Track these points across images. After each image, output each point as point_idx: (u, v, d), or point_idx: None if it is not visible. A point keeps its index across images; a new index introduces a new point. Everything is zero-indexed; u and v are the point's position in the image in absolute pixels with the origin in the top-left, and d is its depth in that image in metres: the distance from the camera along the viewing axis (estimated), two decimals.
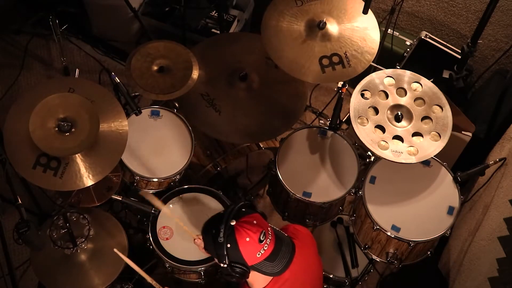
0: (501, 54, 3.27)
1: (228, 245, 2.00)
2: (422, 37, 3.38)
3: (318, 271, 2.30)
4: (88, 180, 2.31)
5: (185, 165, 2.76)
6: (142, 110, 2.67)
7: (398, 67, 3.31)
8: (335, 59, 2.55)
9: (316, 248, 2.30)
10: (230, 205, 2.12)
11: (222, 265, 2.04)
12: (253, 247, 2.00)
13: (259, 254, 2.01)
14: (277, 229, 2.16)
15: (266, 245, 2.01)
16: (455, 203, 2.61)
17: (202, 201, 2.76)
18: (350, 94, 2.54)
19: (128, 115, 2.60)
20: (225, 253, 2.01)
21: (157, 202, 2.55)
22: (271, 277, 2.10)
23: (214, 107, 2.76)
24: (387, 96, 2.53)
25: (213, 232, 2.04)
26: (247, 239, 1.99)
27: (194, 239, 2.37)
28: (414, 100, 2.52)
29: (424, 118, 2.48)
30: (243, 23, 3.86)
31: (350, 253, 2.95)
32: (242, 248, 2.00)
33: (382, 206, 2.61)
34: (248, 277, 2.08)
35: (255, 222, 2.04)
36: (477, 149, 3.07)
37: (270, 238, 2.03)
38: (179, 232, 2.67)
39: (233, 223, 2.02)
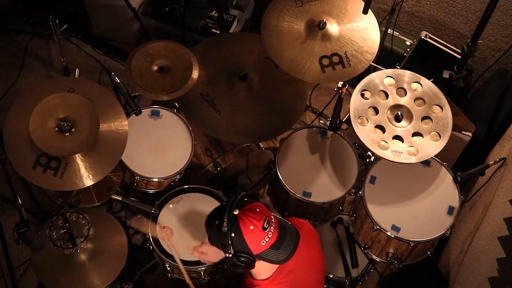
0: (501, 54, 3.27)
1: (233, 234, 2.00)
2: (422, 37, 3.38)
3: (321, 263, 2.31)
4: (88, 180, 2.31)
5: (185, 165, 2.76)
6: (142, 110, 2.67)
7: (398, 67, 3.31)
8: (335, 59, 2.55)
9: (319, 241, 2.31)
10: (232, 196, 2.12)
11: (227, 255, 2.04)
12: (257, 235, 2.00)
13: (263, 242, 2.00)
14: (281, 217, 2.16)
15: (270, 232, 2.01)
16: (455, 203, 2.61)
17: (202, 201, 2.76)
18: (350, 94, 2.54)
19: (128, 115, 2.60)
20: (230, 242, 2.00)
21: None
22: (276, 267, 2.10)
23: (214, 107, 2.76)
24: (387, 96, 2.53)
25: (217, 222, 2.04)
26: (251, 227, 1.99)
27: (193, 251, 2.35)
28: (414, 100, 2.52)
29: (424, 118, 2.49)
30: (243, 23, 3.86)
31: (350, 253, 2.95)
32: (247, 236, 1.99)
33: (382, 206, 2.61)
34: (254, 267, 2.07)
35: (258, 210, 2.04)
36: (477, 149, 3.07)
37: (274, 226, 2.03)
38: (179, 232, 2.67)
39: (236, 212, 2.02)
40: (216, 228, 2.04)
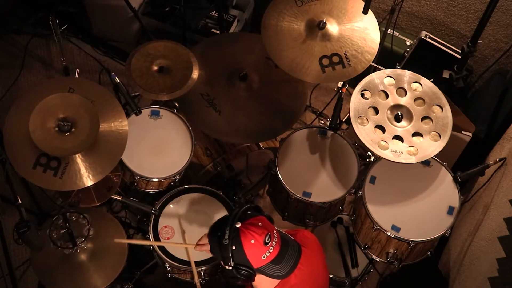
0: (501, 54, 3.28)
1: (233, 247, 2.00)
2: (422, 37, 3.38)
3: (325, 280, 2.30)
4: (88, 180, 2.31)
5: (185, 165, 2.76)
6: (142, 110, 2.67)
7: (398, 67, 3.31)
8: (335, 59, 2.55)
9: (324, 257, 2.30)
10: (235, 208, 2.12)
11: (227, 267, 2.04)
12: (258, 249, 1.99)
13: (264, 257, 2.00)
14: (284, 232, 2.15)
15: (271, 247, 2.01)
16: (455, 203, 2.60)
17: (202, 201, 2.76)
18: (350, 94, 2.54)
19: (128, 115, 2.60)
20: (230, 255, 2.00)
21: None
22: (277, 282, 2.09)
23: (214, 107, 2.76)
24: (387, 96, 2.53)
25: (219, 234, 2.04)
26: (252, 241, 1.99)
27: (195, 246, 2.35)
28: (414, 100, 2.52)
29: (424, 118, 2.48)
30: (243, 23, 3.86)
31: (350, 253, 2.95)
32: (247, 250, 1.99)
33: (382, 206, 2.61)
34: (254, 280, 2.07)
35: (260, 224, 2.04)
36: (477, 149, 3.07)
37: (275, 240, 2.03)
38: (180, 232, 2.67)
39: (238, 225, 2.02)
40: (217, 240, 2.04)
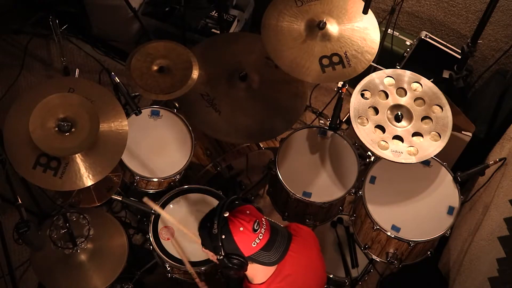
0: (501, 54, 3.27)
1: (223, 236, 2.01)
2: (422, 37, 3.38)
3: (321, 270, 2.31)
4: (88, 180, 2.31)
5: (185, 165, 2.76)
6: (142, 110, 2.67)
7: (398, 67, 3.31)
8: (335, 59, 2.55)
9: (319, 247, 2.31)
10: (223, 199, 2.13)
11: (218, 257, 2.05)
12: (247, 236, 2.01)
13: (254, 244, 2.01)
14: (272, 220, 2.16)
15: (261, 234, 2.02)
16: (455, 203, 2.61)
17: (202, 201, 2.76)
18: (350, 94, 2.54)
19: (128, 115, 2.60)
20: (220, 244, 2.02)
21: (156, 207, 2.54)
22: (271, 271, 2.11)
23: (214, 107, 2.76)
24: (387, 96, 2.53)
25: (208, 225, 2.06)
26: (241, 228, 2.00)
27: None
28: (414, 100, 2.52)
29: (424, 118, 2.49)
30: (243, 23, 3.86)
31: (350, 253, 2.95)
32: (237, 238, 2.01)
33: (382, 206, 2.61)
34: (246, 270, 2.08)
35: (248, 212, 2.05)
36: (477, 149, 3.07)
37: (264, 227, 2.04)
38: (180, 233, 2.67)
39: (226, 214, 2.03)
40: (207, 231, 2.05)
